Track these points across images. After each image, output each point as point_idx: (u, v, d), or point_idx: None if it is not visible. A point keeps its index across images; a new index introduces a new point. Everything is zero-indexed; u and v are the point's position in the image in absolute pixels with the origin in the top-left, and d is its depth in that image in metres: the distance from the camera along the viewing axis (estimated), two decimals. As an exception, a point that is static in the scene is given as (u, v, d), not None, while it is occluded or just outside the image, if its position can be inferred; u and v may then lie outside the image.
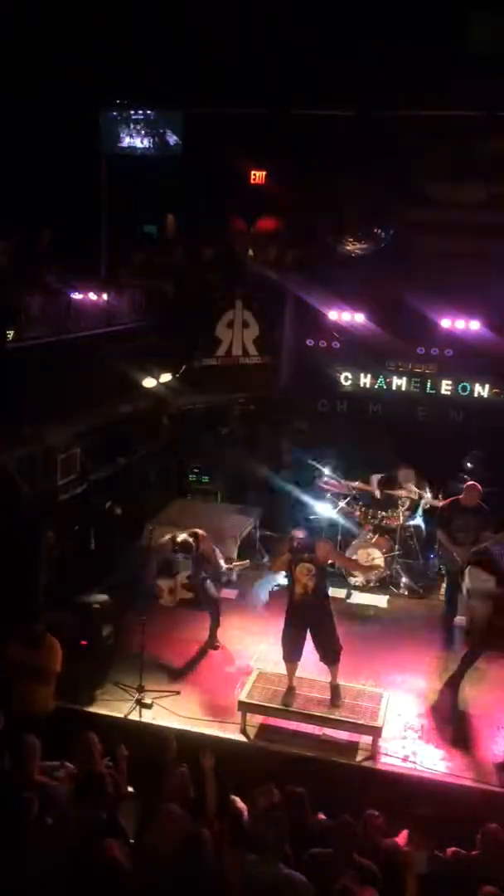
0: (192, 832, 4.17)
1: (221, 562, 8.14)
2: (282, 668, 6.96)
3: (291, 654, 6.78)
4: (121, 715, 6.67)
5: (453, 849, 4.72)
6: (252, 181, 11.56)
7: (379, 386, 11.96)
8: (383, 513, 9.77)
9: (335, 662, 6.75)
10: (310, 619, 6.71)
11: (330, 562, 7.03)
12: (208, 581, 7.92)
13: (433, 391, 11.75)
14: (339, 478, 10.13)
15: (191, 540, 7.72)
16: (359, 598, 9.24)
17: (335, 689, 6.73)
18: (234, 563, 8.48)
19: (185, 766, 4.99)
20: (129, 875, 3.96)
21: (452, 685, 7.24)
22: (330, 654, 6.74)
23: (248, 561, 8.86)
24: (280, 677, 6.92)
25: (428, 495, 9.75)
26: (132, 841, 4.41)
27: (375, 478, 10.12)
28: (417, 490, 9.82)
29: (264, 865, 4.10)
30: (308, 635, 6.76)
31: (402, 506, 9.71)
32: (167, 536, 7.92)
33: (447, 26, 10.29)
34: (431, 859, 4.53)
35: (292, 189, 11.73)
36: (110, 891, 3.87)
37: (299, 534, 6.83)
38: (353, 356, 11.90)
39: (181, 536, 7.77)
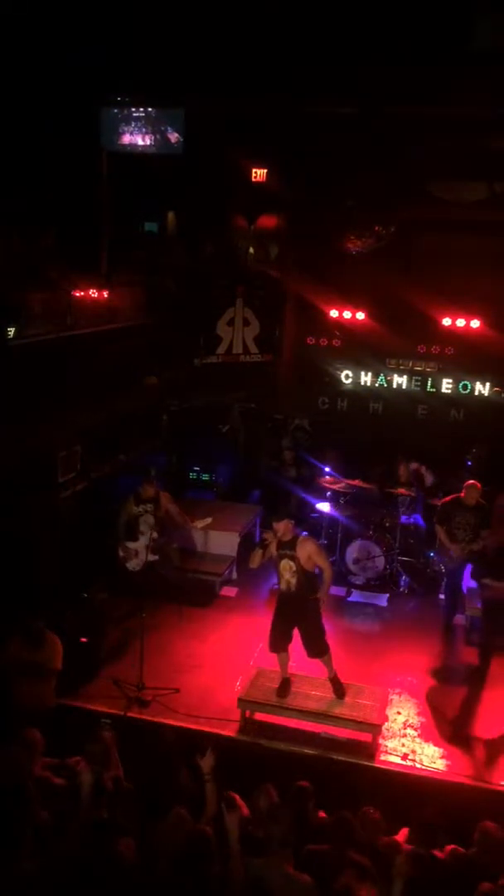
0: (196, 832, 4.17)
1: (186, 520, 8.49)
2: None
3: (275, 644, 6.72)
4: (120, 712, 6.69)
5: (451, 846, 4.73)
6: (253, 179, 11.53)
7: (380, 384, 11.98)
8: (383, 511, 9.79)
9: (321, 655, 6.64)
10: (294, 615, 6.60)
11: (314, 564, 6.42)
12: (173, 545, 8.18)
13: (434, 389, 11.77)
14: (340, 476, 10.13)
15: (150, 488, 8.04)
16: (359, 596, 9.27)
17: (334, 682, 6.68)
18: (198, 521, 8.70)
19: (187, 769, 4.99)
20: (132, 874, 3.97)
21: (475, 683, 7.26)
22: (313, 649, 6.63)
23: (209, 518, 8.99)
24: (280, 675, 6.93)
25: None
26: (132, 839, 4.42)
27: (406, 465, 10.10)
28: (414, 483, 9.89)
29: (269, 866, 4.09)
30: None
31: (402, 504, 9.73)
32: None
33: (450, 23, 10.26)
34: (429, 857, 4.54)
35: (293, 187, 11.72)
36: (113, 890, 3.88)
37: (281, 526, 6.28)
38: (354, 354, 11.91)
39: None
